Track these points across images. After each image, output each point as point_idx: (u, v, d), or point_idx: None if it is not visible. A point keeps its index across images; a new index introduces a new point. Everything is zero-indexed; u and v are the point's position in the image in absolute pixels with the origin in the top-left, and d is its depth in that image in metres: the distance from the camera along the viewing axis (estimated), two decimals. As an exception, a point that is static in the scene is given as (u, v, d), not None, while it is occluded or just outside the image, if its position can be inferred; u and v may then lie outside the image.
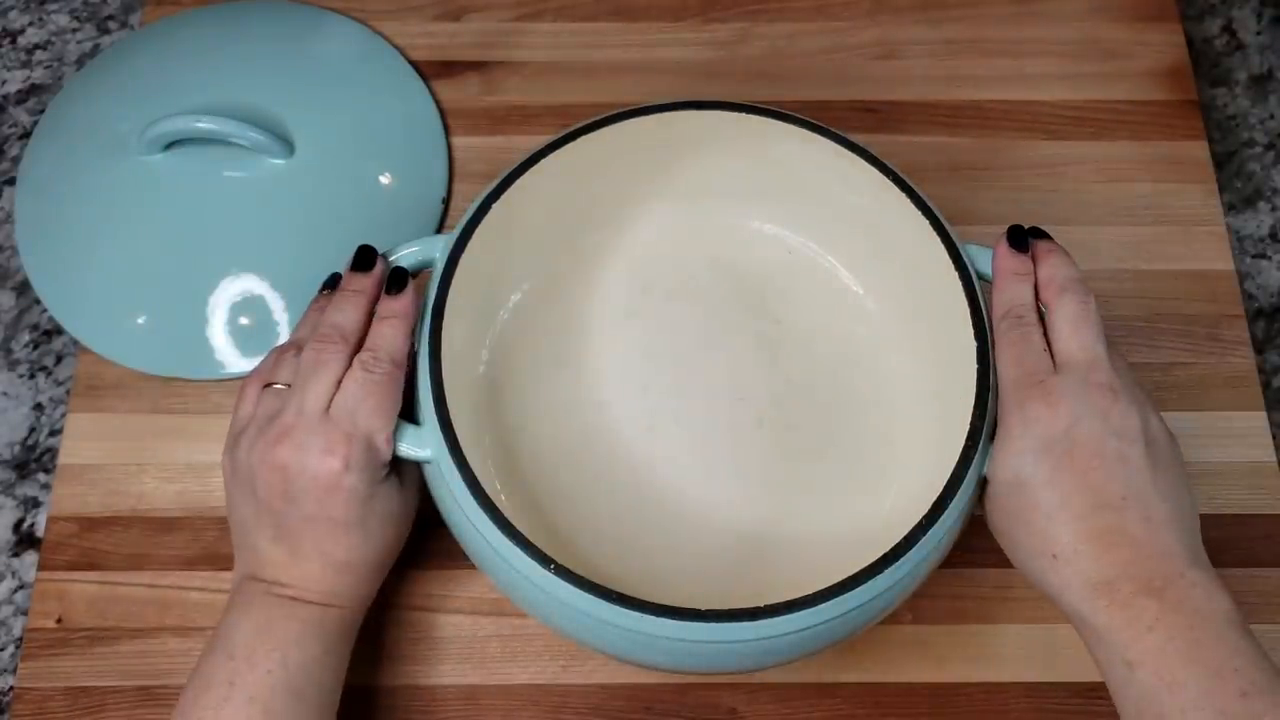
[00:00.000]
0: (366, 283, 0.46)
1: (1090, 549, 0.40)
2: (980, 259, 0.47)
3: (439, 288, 0.45)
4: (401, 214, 0.58)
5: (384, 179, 0.59)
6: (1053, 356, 0.43)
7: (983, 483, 0.44)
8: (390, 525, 0.45)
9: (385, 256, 0.47)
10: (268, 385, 0.46)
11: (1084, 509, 0.40)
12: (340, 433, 0.42)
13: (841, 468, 0.50)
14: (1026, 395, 0.42)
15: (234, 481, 0.45)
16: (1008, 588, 0.52)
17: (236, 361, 0.55)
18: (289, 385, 0.45)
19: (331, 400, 0.43)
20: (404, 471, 0.46)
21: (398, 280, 0.46)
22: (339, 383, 0.43)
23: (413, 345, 0.45)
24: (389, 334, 0.44)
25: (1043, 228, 0.48)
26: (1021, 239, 0.46)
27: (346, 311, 0.45)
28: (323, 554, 0.43)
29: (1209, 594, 0.39)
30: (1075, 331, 0.43)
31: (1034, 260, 0.46)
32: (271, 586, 0.44)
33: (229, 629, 0.43)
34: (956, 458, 0.43)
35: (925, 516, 0.42)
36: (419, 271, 0.48)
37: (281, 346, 0.48)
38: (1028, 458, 0.41)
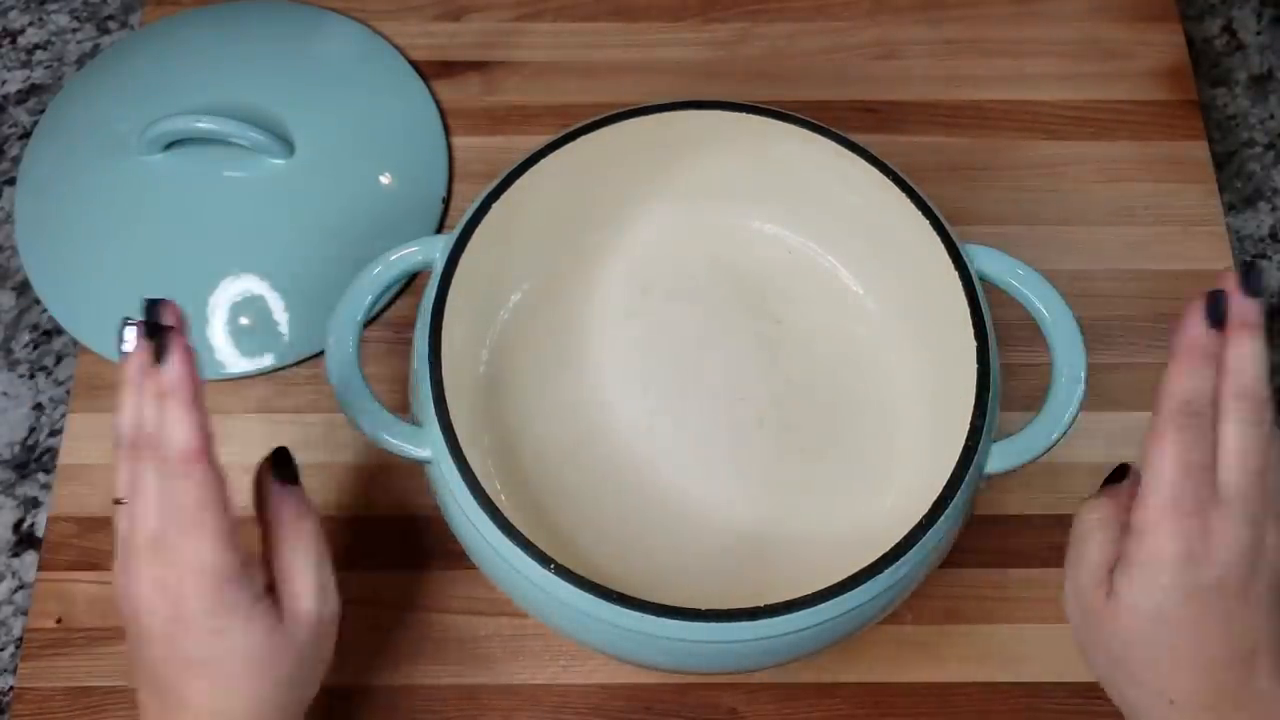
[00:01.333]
0: (134, 362, 0.37)
1: (1215, 700, 0.37)
2: (980, 259, 0.47)
3: (439, 288, 0.45)
4: (401, 214, 0.58)
5: (384, 179, 0.59)
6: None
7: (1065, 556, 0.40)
8: (257, 672, 0.37)
9: (131, 321, 0.37)
10: (117, 501, 0.37)
11: (1216, 659, 0.37)
12: (167, 558, 0.35)
13: (841, 468, 0.50)
14: (1188, 522, 0.35)
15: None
16: (1007, 587, 0.52)
17: (236, 361, 0.55)
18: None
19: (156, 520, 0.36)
20: (290, 618, 0.38)
21: (160, 346, 0.35)
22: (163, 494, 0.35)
23: (412, 345, 0.45)
24: (169, 423, 0.35)
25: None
26: (1221, 315, 0.36)
27: (125, 411, 0.36)
28: (183, 705, 0.37)
29: None
30: (1246, 458, 0.36)
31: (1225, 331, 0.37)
32: None
33: None
34: (956, 458, 0.42)
35: (925, 516, 0.42)
36: (417, 274, 0.48)
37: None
38: (1178, 596, 0.36)
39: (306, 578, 0.38)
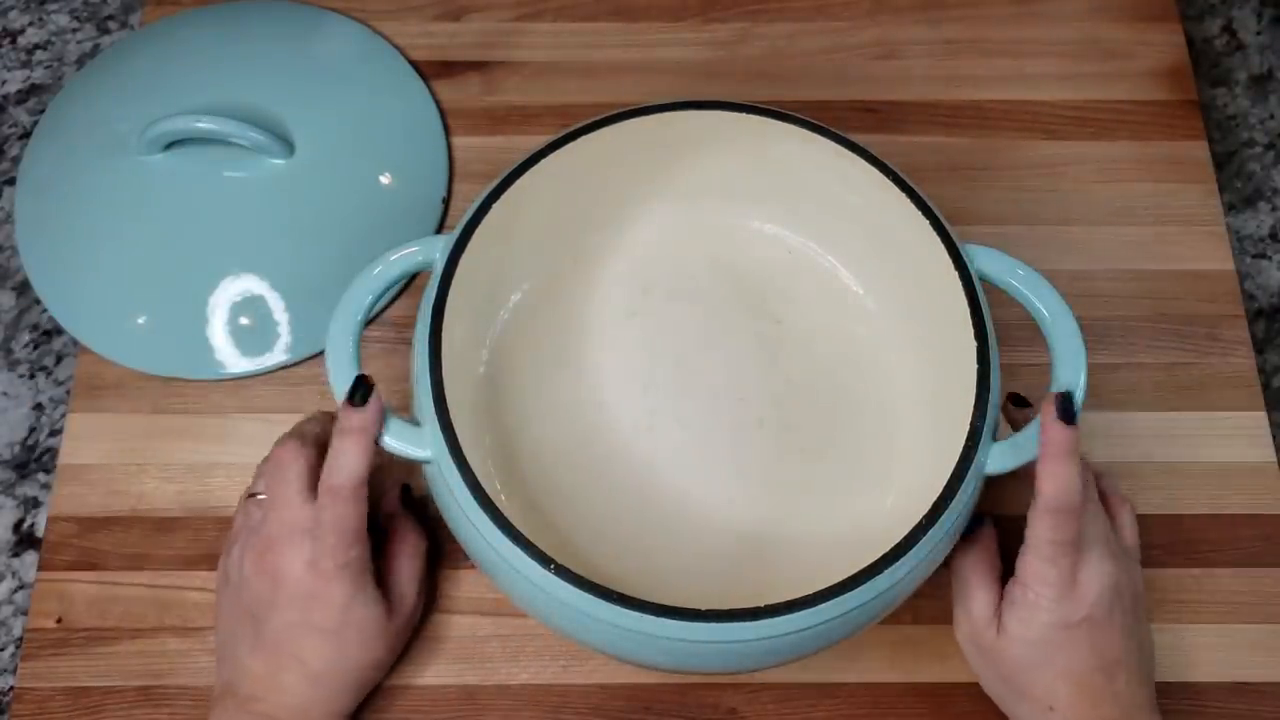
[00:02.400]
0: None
1: (1084, 703, 0.45)
2: (980, 259, 0.47)
3: (439, 288, 0.45)
4: (401, 214, 0.58)
5: (384, 179, 0.59)
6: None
7: (978, 518, 0.45)
8: (365, 646, 0.46)
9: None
10: (252, 496, 0.48)
11: (1086, 671, 0.45)
12: (323, 546, 0.44)
13: (841, 468, 0.50)
14: (1059, 574, 0.44)
15: (224, 590, 0.47)
16: (1008, 588, 0.52)
17: (236, 361, 0.55)
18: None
19: (307, 512, 0.44)
20: (395, 610, 0.47)
21: (364, 391, 0.43)
22: (308, 485, 0.45)
23: (412, 345, 0.45)
24: (350, 453, 0.43)
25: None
26: (1072, 416, 0.43)
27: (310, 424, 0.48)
28: (299, 662, 0.45)
29: None
30: (1129, 528, 0.49)
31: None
32: (245, 702, 0.45)
33: None
34: (956, 458, 0.43)
35: (925, 516, 0.42)
36: (417, 274, 0.48)
37: (265, 459, 0.49)
38: (1055, 627, 0.44)
39: (411, 579, 0.48)
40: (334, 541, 0.43)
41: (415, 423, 0.44)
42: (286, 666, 0.45)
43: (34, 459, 0.55)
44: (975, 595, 0.47)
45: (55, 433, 0.56)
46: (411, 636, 0.50)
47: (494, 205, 0.46)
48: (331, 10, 0.64)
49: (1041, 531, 0.43)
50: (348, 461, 0.43)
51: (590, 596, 0.40)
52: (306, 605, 0.44)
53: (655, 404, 0.51)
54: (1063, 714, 0.45)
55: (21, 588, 0.53)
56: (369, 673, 0.47)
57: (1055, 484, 0.42)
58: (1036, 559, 0.44)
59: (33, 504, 0.54)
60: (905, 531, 0.41)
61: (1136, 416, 0.56)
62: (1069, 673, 0.45)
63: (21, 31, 0.65)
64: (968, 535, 0.47)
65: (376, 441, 0.43)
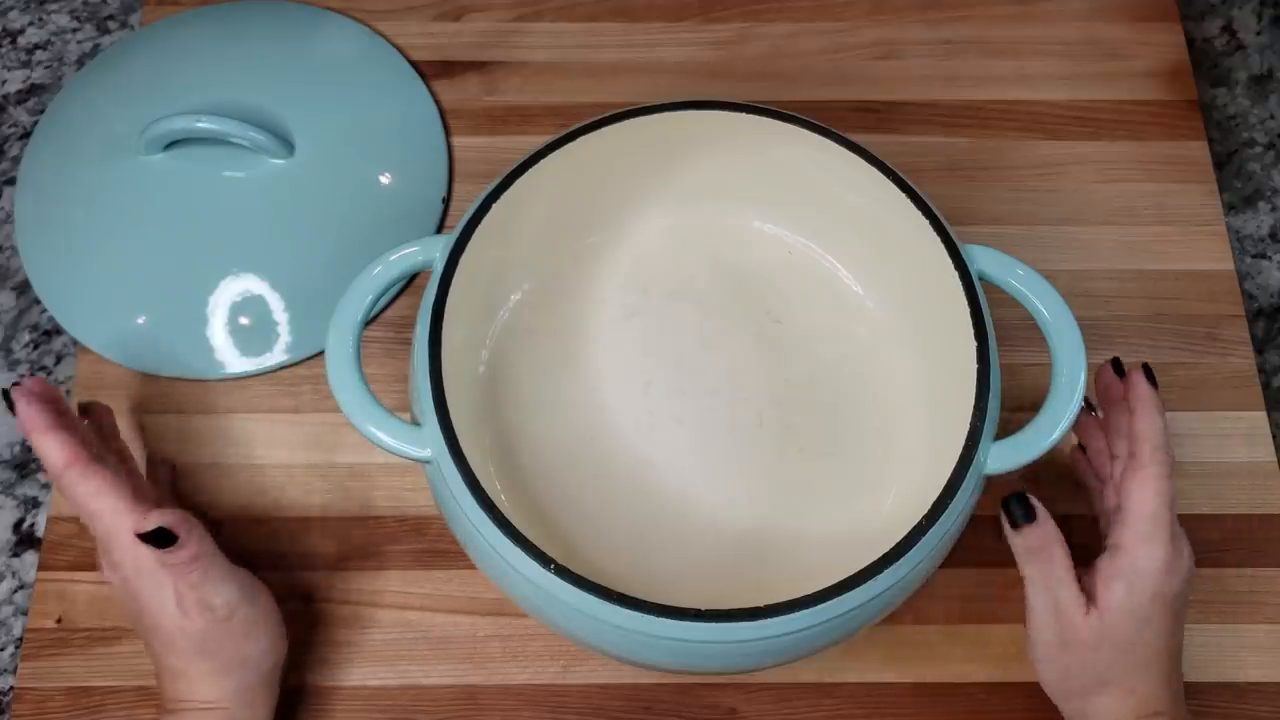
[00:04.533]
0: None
1: (1161, 684, 0.44)
2: (980, 259, 0.47)
3: (439, 288, 0.45)
4: (401, 214, 0.58)
5: (384, 179, 0.59)
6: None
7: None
8: (171, 639, 0.44)
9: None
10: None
11: (1164, 649, 0.44)
12: (103, 541, 0.45)
13: (841, 468, 0.50)
14: (1172, 543, 0.44)
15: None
16: (1007, 587, 0.52)
17: (236, 361, 0.55)
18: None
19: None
20: (185, 612, 0.44)
21: (8, 402, 0.44)
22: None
23: (412, 345, 0.45)
24: (41, 452, 0.44)
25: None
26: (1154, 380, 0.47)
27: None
28: (156, 658, 0.46)
29: None
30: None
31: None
32: (161, 707, 0.46)
33: None
34: (956, 458, 0.43)
35: (925, 516, 0.42)
36: (417, 274, 0.48)
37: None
38: (1156, 600, 0.44)
39: (188, 600, 0.44)
40: (100, 522, 0.44)
41: (415, 423, 0.44)
42: (157, 664, 0.46)
43: (34, 459, 0.55)
44: (1064, 585, 0.44)
45: (55, 433, 0.56)
46: (413, 636, 0.50)
47: (494, 205, 0.46)
48: (331, 10, 0.64)
49: (1149, 486, 0.43)
50: (47, 455, 0.43)
51: (590, 596, 0.40)
52: (126, 599, 0.45)
53: (655, 404, 0.51)
54: (1142, 697, 0.44)
55: (21, 588, 0.53)
56: (207, 665, 0.45)
57: (1153, 426, 0.44)
58: (1143, 525, 0.43)
59: (33, 504, 0.54)
60: (905, 532, 0.41)
61: (1136, 416, 0.56)
62: (1156, 652, 0.44)
63: (21, 31, 0.65)
64: (1024, 525, 0.44)
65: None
